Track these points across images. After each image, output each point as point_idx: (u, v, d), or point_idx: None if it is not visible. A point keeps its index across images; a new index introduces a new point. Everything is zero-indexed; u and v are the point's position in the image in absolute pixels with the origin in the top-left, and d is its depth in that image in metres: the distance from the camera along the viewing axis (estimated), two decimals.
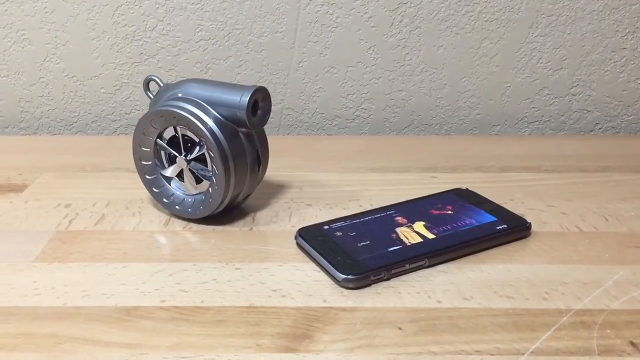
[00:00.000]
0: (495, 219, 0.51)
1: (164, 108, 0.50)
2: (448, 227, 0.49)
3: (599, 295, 0.42)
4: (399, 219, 0.51)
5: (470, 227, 0.49)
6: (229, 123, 0.50)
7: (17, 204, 0.57)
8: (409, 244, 0.47)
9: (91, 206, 0.56)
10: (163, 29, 0.75)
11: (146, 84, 0.55)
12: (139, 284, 0.44)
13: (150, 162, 0.54)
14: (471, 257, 0.47)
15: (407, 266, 0.45)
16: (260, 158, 0.53)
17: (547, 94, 0.78)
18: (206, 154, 0.50)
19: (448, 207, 0.53)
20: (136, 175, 0.55)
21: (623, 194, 0.58)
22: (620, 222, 0.53)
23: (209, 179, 0.51)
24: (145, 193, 0.57)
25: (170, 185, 0.54)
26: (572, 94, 0.78)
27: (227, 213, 0.53)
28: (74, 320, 0.40)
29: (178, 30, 0.75)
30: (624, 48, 0.76)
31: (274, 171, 0.63)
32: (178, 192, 0.54)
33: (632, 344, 0.37)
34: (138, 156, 0.54)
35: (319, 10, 0.74)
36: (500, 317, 0.40)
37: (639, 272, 0.45)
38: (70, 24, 0.75)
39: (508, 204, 0.56)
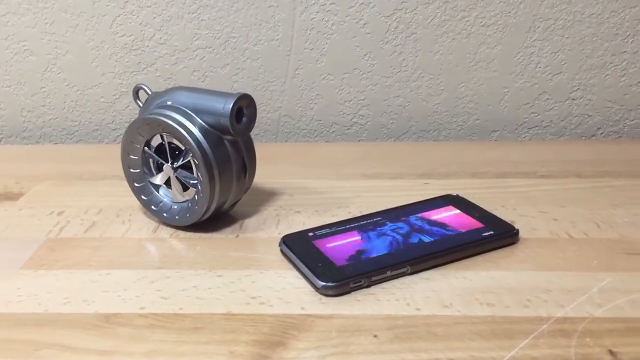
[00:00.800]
0: (482, 225, 0.50)
1: (150, 116, 0.51)
2: (433, 233, 0.49)
3: (582, 303, 0.41)
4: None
5: (456, 233, 0.49)
6: (214, 131, 0.50)
7: (11, 212, 0.58)
8: (392, 250, 0.46)
9: (83, 214, 0.57)
10: (160, 38, 0.76)
11: (135, 93, 0.56)
12: (121, 291, 0.44)
13: (138, 170, 0.54)
14: (456, 264, 0.47)
15: (389, 273, 0.44)
16: (246, 165, 0.53)
17: (547, 98, 0.77)
18: (192, 162, 0.51)
19: (435, 213, 0.52)
20: None
21: (618, 200, 0.57)
22: (612, 228, 0.52)
23: (194, 186, 0.51)
24: (136, 201, 0.57)
25: (158, 192, 0.54)
26: (573, 99, 0.77)
27: (214, 220, 0.54)
28: (53, 326, 0.40)
29: (175, 40, 0.76)
30: (625, 51, 0.75)
31: (266, 178, 0.63)
32: (166, 200, 0.54)
33: (611, 352, 0.37)
34: (127, 164, 0.54)
35: (314, 18, 0.74)
36: (479, 325, 0.40)
37: (626, 279, 0.44)
38: (70, 34, 0.76)
39: (499, 210, 0.55)
